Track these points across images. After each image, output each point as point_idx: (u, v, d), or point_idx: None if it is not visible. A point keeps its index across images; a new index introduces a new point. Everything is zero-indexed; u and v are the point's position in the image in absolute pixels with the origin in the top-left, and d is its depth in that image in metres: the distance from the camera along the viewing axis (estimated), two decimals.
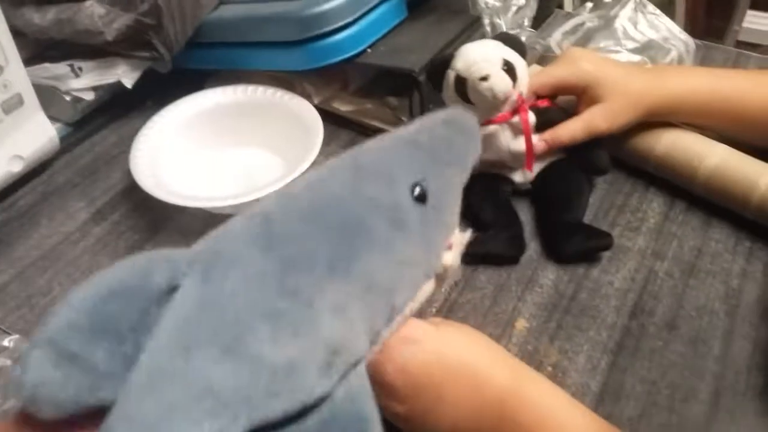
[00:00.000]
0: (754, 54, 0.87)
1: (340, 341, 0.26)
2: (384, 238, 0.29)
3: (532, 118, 0.62)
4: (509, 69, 0.59)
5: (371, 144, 0.33)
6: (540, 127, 0.63)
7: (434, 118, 0.34)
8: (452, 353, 0.43)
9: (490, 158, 0.64)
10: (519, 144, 0.63)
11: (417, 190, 0.30)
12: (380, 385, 0.39)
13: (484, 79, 0.58)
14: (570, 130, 0.63)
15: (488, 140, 0.63)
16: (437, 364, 0.41)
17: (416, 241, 0.30)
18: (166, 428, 0.23)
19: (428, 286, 0.33)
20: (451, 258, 0.33)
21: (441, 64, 0.63)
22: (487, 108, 0.61)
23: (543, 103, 0.64)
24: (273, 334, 0.25)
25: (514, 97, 0.61)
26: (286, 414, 0.25)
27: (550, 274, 0.60)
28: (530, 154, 0.63)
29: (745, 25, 1.95)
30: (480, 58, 0.59)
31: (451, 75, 0.61)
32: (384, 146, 0.32)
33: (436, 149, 0.33)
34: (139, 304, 0.26)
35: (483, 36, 0.74)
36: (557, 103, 0.66)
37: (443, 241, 0.32)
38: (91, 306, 0.26)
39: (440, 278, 0.33)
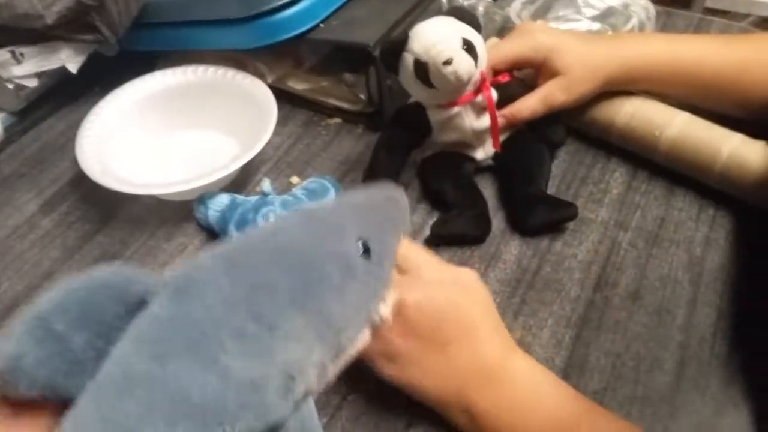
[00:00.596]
0: (716, 19, 0.86)
1: (297, 368, 0.29)
2: (337, 282, 0.32)
3: (494, 95, 0.61)
4: (469, 48, 0.56)
5: (320, 205, 0.38)
6: (501, 102, 0.62)
7: (375, 193, 0.40)
8: (466, 310, 0.45)
9: (453, 139, 0.63)
10: (482, 122, 0.62)
11: (363, 246, 0.34)
12: (396, 316, 0.42)
13: (447, 63, 0.55)
14: (529, 105, 0.62)
15: (452, 121, 0.61)
16: (451, 315, 0.44)
17: (362, 290, 0.34)
18: (142, 429, 0.25)
19: (365, 335, 0.36)
20: (386, 310, 0.37)
21: (395, 46, 0.58)
22: (450, 90, 0.58)
23: (504, 78, 0.62)
24: (239, 352, 0.27)
25: (477, 76, 0.59)
26: (251, 430, 0.27)
27: (513, 249, 0.59)
28: (496, 132, 0.62)
29: None
30: (438, 40, 0.56)
31: (409, 59, 0.57)
32: (333, 207, 0.37)
33: (378, 217, 0.37)
34: (119, 307, 0.28)
35: (440, 8, 0.73)
36: (515, 76, 0.65)
37: (381, 294, 0.36)
38: (83, 294, 0.28)
39: (375, 328, 0.37)
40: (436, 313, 0.44)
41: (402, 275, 0.45)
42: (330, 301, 0.31)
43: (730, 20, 0.88)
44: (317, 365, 0.30)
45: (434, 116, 0.61)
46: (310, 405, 0.31)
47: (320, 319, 0.31)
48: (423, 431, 0.47)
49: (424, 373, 0.44)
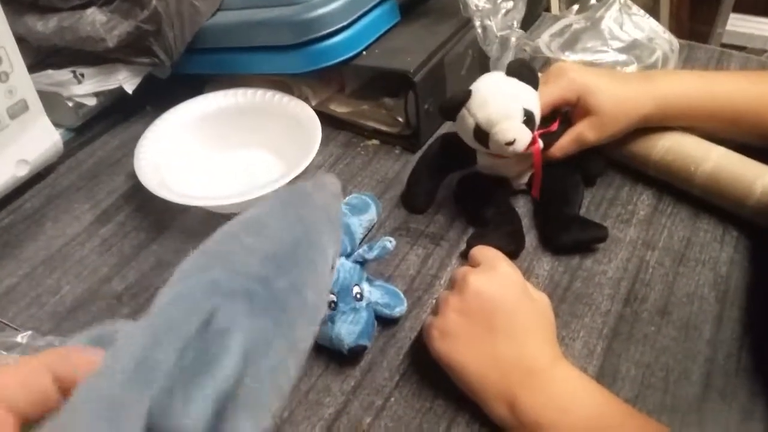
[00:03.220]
0: (735, 53, 0.90)
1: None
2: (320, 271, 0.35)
3: (540, 143, 0.63)
4: (528, 119, 0.59)
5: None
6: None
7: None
8: (522, 313, 0.49)
9: (496, 174, 0.67)
10: (524, 164, 0.66)
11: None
12: (459, 294, 0.49)
13: (510, 143, 0.58)
14: (560, 147, 0.65)
15: (499, 165, 0.65)
16: (506, 310, 0.49)
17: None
18: None
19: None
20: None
21: (457, 104, 0.61)
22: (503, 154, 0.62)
23: (553, 128, 0.65)
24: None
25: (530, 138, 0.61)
26: None
27: (545, 265, 0.62)
28: (538, 182, 0.66)
29: (728, 28, 1.98)
30: (502, 115, 0.58)
31: (470, 121, 0.60)
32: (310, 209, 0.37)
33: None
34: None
35: (474, 39, 0.76)
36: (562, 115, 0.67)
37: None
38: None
39: None
40: (492, 302, 0.49)
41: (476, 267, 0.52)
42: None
43: (747, 54, 0.91)
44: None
45: (483, 160, 0.65)
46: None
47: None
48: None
49: (470, 354, 0.48)
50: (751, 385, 0.52)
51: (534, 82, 0.62)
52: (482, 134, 0.59)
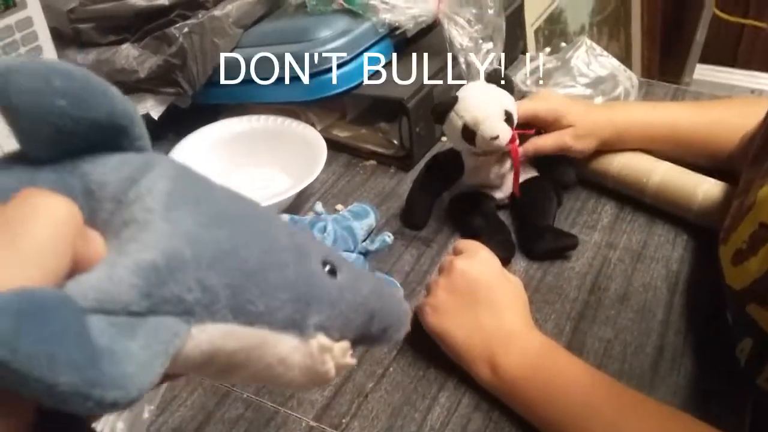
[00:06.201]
0: (689, 89, 1.02)
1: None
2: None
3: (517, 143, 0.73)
4: (508, 118, 0.70)
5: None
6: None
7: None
8: (499, 291, 0.59)
9: (480, 181, 0.76)
10: (505, 167, 0.75)
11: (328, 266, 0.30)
12: (446, 275, 0.59)
13: (494, 138, 0.68)
14: (537, 144, 0.75)
15: (483, 165, 0.75)
16: (485, 287, 0.58)
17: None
18: None
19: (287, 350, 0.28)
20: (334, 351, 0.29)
21: (446, 107, 0.70)
22: (488, 149, 0.72)
23: (530, 132, 0.76)
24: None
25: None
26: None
27: (522, 263, 0.72)
28: (517, 178, 0.75)
29: (696, 77, 2.12)
30: (487, 115, 0.68)
31: (458, 122, 0.69)
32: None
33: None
34: (108, 128, 0.25)
35: (460, 75, 0.88)
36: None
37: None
38: (94, 86, 0.24)
39: (310, 363, 0.28)
40: (474, 281, 0.58)
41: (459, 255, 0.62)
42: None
43: (700, 90, 1.04)
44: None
45: (469, 161, 0.75)
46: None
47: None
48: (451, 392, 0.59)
49: (457, 324, 0.57)
50: (695, 358, 0.61)
51: (509, 88, 0.72)
52: (469, 133, 0.69)
